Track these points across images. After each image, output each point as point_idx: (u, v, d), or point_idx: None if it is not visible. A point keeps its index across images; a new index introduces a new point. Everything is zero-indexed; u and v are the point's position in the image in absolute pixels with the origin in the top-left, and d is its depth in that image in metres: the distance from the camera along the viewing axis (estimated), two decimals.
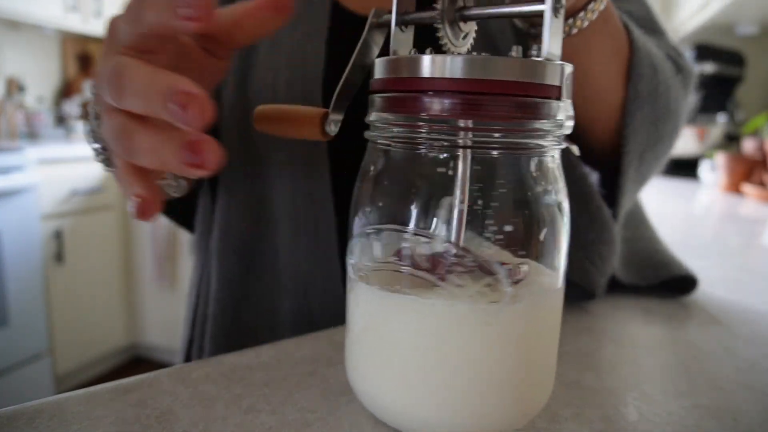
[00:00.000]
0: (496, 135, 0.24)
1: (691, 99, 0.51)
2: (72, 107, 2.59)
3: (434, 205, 0.26)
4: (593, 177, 0.50)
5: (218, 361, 0.35)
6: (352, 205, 0.29)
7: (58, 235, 1.92)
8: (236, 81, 0.50)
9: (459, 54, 0.24)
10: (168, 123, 0.23)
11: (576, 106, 0.42)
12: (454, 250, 0.25)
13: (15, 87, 2.35)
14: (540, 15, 0.26)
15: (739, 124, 1.93)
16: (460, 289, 0.25)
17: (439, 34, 0.29)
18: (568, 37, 0.34)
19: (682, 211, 1.14)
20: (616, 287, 0.51)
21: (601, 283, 0.45)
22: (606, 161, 0.47)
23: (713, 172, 1.54)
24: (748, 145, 1.43)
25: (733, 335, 0.44)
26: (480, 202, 0.25)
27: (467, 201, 0.25)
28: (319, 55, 0.48)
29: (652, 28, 0.50)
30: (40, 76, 2.55)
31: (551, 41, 0.25)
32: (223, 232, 0.49)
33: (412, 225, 0.25)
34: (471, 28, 0.30)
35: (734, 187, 1.42)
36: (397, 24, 0.29)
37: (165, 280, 2.23)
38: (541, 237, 0.25)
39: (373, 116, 0.27)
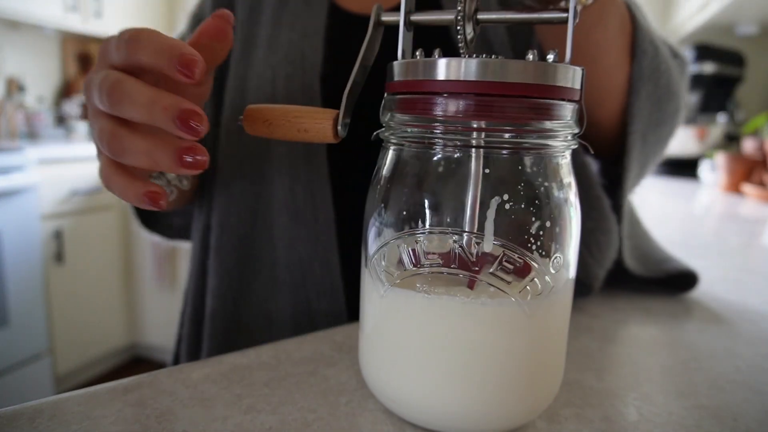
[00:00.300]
0: (510, 135, 0.25)
1: (686, 87, 0.51)
2: (72, 107, 2.59)
3: (449, 205, 0.26)
4: (593, 167, 0.50)
5: (218, 361, 0.35)
6: (367, 205, 0.29)
7: (58, 235, 1.92)
8: (235, 79, 0.50)
9: (474, 57, 0.24)
10: (158, 129, 0.27)
11: (588, 85, 0.43)
12: (484, 248, 0.25)
13: (15, 87, 2.35)
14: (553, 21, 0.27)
15: (739, 124, 1.93)
16: (496, 287, 0.25)
17: (458, 37, 0.29)
18: (585, 9, 0.34)
19: (682, 211, 1.14)
20: (618, 283, 0.51)
21: (599, 275, 0.45)
22: (609, 148, 0.47)
23: (713, 172, 1.54)
24: (748, 145, 1.43)
25: (733, 335, 0.44)
26: (493, 200, 0.25)
27: (479, 199, 0.25)
28: (316, 51, 0.48)
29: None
30: (40, 76, 2.55)
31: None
32: (221, 228, 0.50)
33: (427, 224, 0.26)
34: (476, 31, 0.30)
35: (734, 187, 1.42)
36: (405, 24, 0.29)
37: (165, 280, 2.23)
38: (553, 234, 0.26)
39: (388, 117, 0.27)
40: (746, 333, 0.44)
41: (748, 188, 1.34)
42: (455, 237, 0.25)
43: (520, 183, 0.25)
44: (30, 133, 2.35)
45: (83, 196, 2.02)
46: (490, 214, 0.25)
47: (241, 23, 0.53)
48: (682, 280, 0.52)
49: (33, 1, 2.11)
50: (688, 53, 1.97)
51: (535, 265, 0.25)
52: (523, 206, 0.25)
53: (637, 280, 0.51)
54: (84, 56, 2.74)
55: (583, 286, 0.46)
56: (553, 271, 0.26)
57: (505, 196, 0.25)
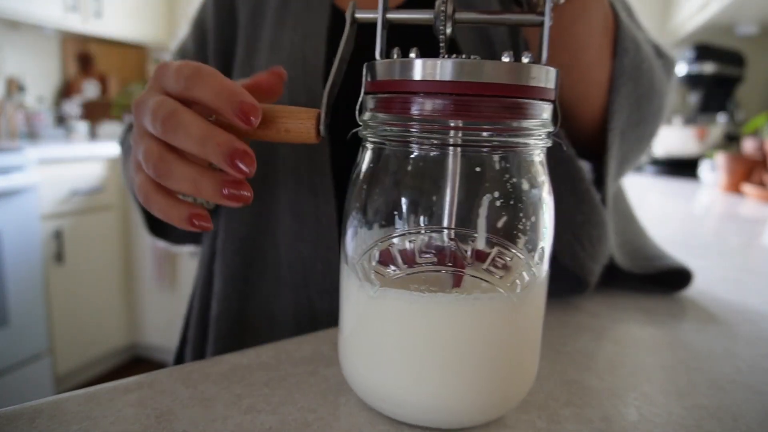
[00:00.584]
0: (487, 134, 0.25)
1: (673, 86, 0.52)
2: (72, 107, 2.59)
3: (433, 203, 0.26)
4: (585, 166, 0.50)
5: (218, 361, 0.35)
6: (346, 204, 0.29)
7: (58, 235, 1.92)
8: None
9: (451, 57, 0.25)
10: (204, 160, 0.29)
11: (566, 85, 0.43)
12: (478, 245, 0.26)
13: (15, 87, 2.35)
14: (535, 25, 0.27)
15: (739, 124, 1.93)
16: (488, 282, 0.26)
17: (440, 37, 0.29)
18: (568, 2, 0.35)
19: (682, 211, 1.14)
20: (612, 280, 0.51)
21: (594, 270, 0.45)
22: (591, 144, 0.47)
23: (713, 172, 1.54)
24: (748, 145, 1.43)
25: (733, 335, 0.44)
26: (470, 197, 0.26)
27: (457, 197, 0.26)
28: (318, 53, 0.49)
29: (631, 20, 0.50)
30: (40, 76, 2.55)
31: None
32: (226, 232, 0.50)
33: (413, 223, 0.26)
34: (454, 31, 0.31)
35: (734, 187, 1.42)
36: (382, 23, 0.30)
37: (165, 280, 2.23)
38: (533, 228, 0.27)
39: (366, 116, 0.27)
40: (746, 333, 0.44)
41: (748, 188, 1.34)
42: (446, 235, 0.26)
43: (501, 180, 0.26)
44: (30, 133, 2.35)
45: (83, 196, 2.02)
46: (481, 211, 0.26)
47: (244, 26, 0.53)
48: (676, 278, 0.52)
49: (33, 1, 2.11)
50: (688, 53, 1.97)
51: (522, 259, 0.26)
52: (505, 203, 0.26)
53: (628, 276, 0.51)
54: (84, 56, 2.74)
55: (578, 282, 0.45)
56: (537, 263, 0.27)
57: (494, 194, 0.26)
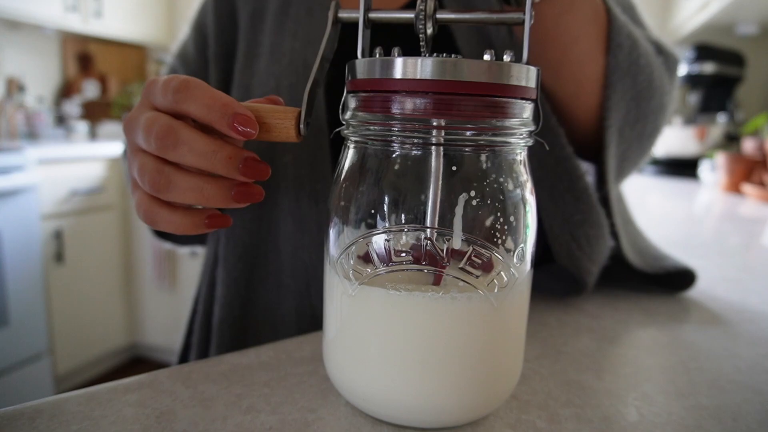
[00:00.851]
0: (467, 133, 0.25)
1: (677, 84, 0.51)
2: (72, 107, 2.59)
3: (414, 202, 0.26)
4: (588, 169, 0.50)
5: (218, 361, 0.35)
6: (329, 203, 0.29)
7: (58, 235, 1.92)
8: (239, 89, 0.50)
9: (431, 57, 0.25)
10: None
11: (558, 82, 0.42)
12: (453, 245, 0.26)
13: (15, 87, 2.35)
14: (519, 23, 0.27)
15: (739, 124, 1.93)
16: (465, 282, 0.26)
17: (420, 36, 0.29)
18: None
19: (682, 211, 1.14)
20: (617, 280, 0.51)
21: (592, 270, 0.44)
22: (589, 143, 0.47)
23: (713, 172, 1.54)
24: (748, 145, 1.43)
25: (734, 335, 0.44)
26: (461, 197, 0.26)
27: (440, 195, 0.26)
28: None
29: (631, 15, 0.50)
30: (40, 76, 2.55)
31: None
32: (228, 238, 0.50)
33: (393, 221, 0.26)
34: (435, 30, 0.31)
35: (734, 187, 1.42)
36: (364, 23, 0.30)
37: (165, 280, 2.23)
38: (514, 228, 0.27)
39: (348, 115, 0.28)
40: (746, 333, 0.44)
41: (748, 188, 1.34)
42: (423, 234, 0.26)
43: (481, 180, 0.26)
44: (30, 133, 2.35)
45: (83, 196, 2.02)
46: (458, 210, 0.26)
47: (244, 30, 0.52)
48: (681, 279, 0.52)
49: (33, 1, 2.11)
50: (688, 53, 1.97)
51: (500, 259, 0.26)
52: (485, 202, 0.26)
53: (638, 275, 0.50)
54: (84, 56, 2.74)
55: (575, 283, 0.45)
56: (516, 264, 0.27)
57: (472, 193, 0.26)
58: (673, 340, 0.42)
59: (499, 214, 0.26)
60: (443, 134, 0.25)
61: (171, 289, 2.25)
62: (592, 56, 0.42)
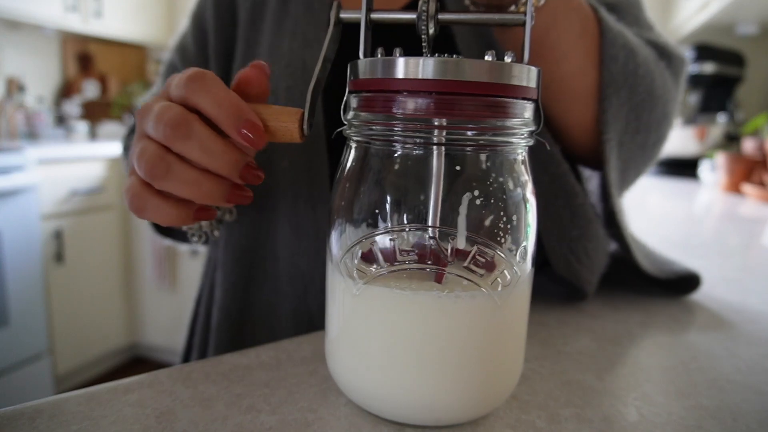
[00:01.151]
0: (468, 133, 0.25)
1: (683, 88, 0.49)
2: (72, 107, 2.59)
3: (416, 201, 0.26)
4: (593, 182, 0.50)
5: (218, 361, 0.35)
6: (331, 203, 0.29)
7: (58, 235, 1.92)
8: None
9: (433, 57, 0.25)
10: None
11: (548, 99, 0.42)
12: (458, 244, 0.26)
13: (15, 87, 2.35)
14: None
15: (739, 124, 1.93)
16: (469, 280, 0.26)
17: (423, 36, 0.30)
18: (537, 10, 0.35)
19: (682, 211, 1.13)
20: (616, 282, 0.51)
21: (592, 280, 0.45)
22: (588, 155, 0.46)
23: (713, 172, 1.54)
24: (748, 145, 1.43)
25: (734, 335, 0.44)
26: (465, 196, 0.26)
27: (441, 195, 0.26)
28: (317, 60, 0.48)
29: (635, 15, 0.49)
30: (40, 76, 2.55)
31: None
32: (226, 242, 0.50)
33: (396, 221, 0.26)
34: (437, 30, 0.31)
35: (734, 187, 1.42)
36: (366, 23, 0.30)
37: (165, 280, 2.23)
38: (515, 227, 0.27)
39: (350, 115, 0.28)
40: (746, 333, 0.44)
41: (748, 188, 1.34)
42: (428, 233, 0.26)
43: (483, 179, 0.26)
44: (30, 133, 2.35)
45: (83, 196, 2.02)
46: (463, 210, 0.26)
47: (243, 28, 0.52)
48: (687, 283, 0.52)
49: (33, 1, 2.11)
50: (688, 53, 1.97)
51: (503, 257, 0.26)
52: (487, 201, 0.26)
53: (639, 276, 0.50)
54: (84, 56, 2.74)
55: (576, 291, 0.46)
56: (519, 262, 0.27)
57: (476, 192, 0.26)
58: (673, 341, 0.42)
59: (501, 213, 0.26)
60: (445, 134, 0.25)
61: (171, 289, 2.25)
62: (584, 70, 0.41)
